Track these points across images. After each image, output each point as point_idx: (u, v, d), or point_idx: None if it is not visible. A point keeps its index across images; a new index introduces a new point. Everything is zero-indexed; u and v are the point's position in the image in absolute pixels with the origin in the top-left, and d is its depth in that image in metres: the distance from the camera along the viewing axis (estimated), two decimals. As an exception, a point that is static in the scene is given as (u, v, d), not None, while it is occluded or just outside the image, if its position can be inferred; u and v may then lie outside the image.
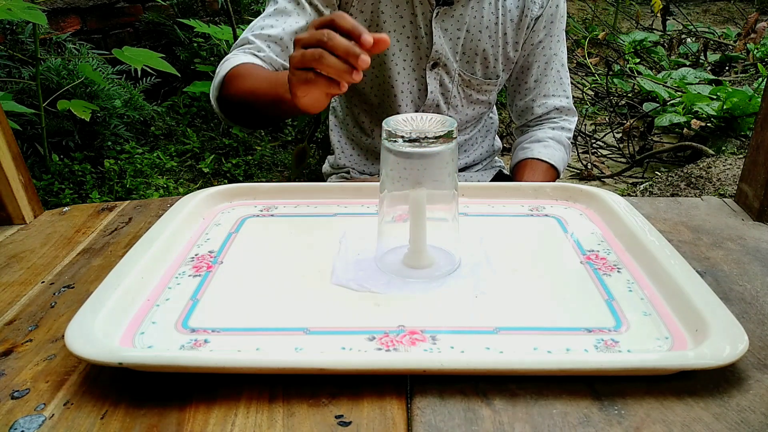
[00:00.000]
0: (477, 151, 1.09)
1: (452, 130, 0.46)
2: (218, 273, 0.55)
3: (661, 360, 0.41)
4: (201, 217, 0.65)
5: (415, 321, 0.46)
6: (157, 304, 0.49)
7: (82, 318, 0.44)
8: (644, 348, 0.43)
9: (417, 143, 0.48)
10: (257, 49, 0.84)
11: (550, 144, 0.99)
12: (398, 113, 0.89)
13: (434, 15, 0.88)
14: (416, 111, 0.97)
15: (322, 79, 0.54)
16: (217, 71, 0.83)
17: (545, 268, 0.55)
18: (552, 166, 0.97)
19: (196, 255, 0.58)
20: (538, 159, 0.98)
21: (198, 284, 0.53)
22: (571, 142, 1.07)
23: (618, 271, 0.54)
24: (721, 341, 0.41)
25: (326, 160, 1.12)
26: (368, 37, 0.52)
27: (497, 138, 1.15)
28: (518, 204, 0.68)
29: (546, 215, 0.66)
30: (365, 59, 0.51)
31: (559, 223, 0.64)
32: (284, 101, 0.66)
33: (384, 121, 0.50)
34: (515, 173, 1.01)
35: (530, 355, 0.42)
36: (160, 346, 0.44)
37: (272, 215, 0.67)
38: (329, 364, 0.40)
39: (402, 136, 0.48)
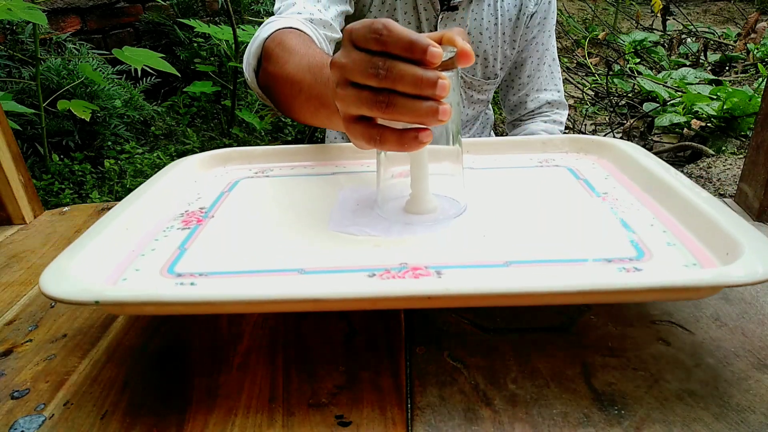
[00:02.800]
0: None
1: (452, 58, 0.42)
2: (209, 225, 0.52)
3: (695, 278, 0.35)
4: (192, 180, 0.63)
5: (419, 258, 0.43)
6: (142, 254, 0.47)
7: (59, 263, 0.41)
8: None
9: None
10: (309, 12, 0.74)
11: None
12: None
13: (438, 20, 0.88)
14: None
15: (393, 134, 0.40)
16: (255, 36, 0.70)
17: (558, 208, 0.52)
18: None
19: (186, 211, 0.56)
20: None
21: (187, 235, 0.50)
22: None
23: (637, 210, 0.50)
24: (757, 259, 0.37)
25: None
26: (437, 50, 0.36)
27: (492, 134, 1.16)
28: (527, 157, 0.65)
29: (556, 165, 0.63)
30: (444, 83, 0.37)
31: (571, 172, 0.61)
32: (326, 107, 0.54)
33: None
34: None
35: (548, 280, 0.36)
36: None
37: (267, 177, 0.64)
38: (327, 296, 0.36)
39: None
